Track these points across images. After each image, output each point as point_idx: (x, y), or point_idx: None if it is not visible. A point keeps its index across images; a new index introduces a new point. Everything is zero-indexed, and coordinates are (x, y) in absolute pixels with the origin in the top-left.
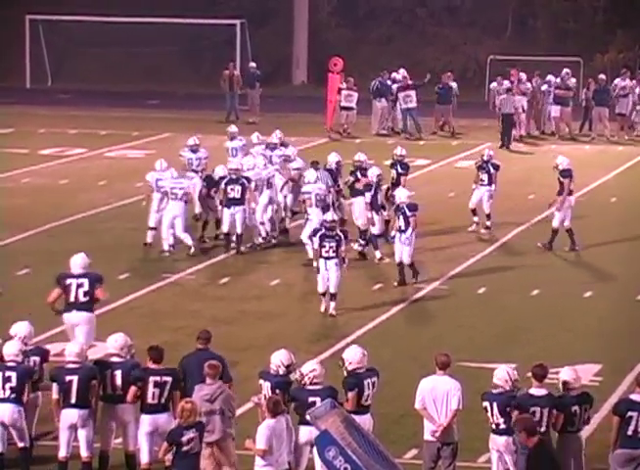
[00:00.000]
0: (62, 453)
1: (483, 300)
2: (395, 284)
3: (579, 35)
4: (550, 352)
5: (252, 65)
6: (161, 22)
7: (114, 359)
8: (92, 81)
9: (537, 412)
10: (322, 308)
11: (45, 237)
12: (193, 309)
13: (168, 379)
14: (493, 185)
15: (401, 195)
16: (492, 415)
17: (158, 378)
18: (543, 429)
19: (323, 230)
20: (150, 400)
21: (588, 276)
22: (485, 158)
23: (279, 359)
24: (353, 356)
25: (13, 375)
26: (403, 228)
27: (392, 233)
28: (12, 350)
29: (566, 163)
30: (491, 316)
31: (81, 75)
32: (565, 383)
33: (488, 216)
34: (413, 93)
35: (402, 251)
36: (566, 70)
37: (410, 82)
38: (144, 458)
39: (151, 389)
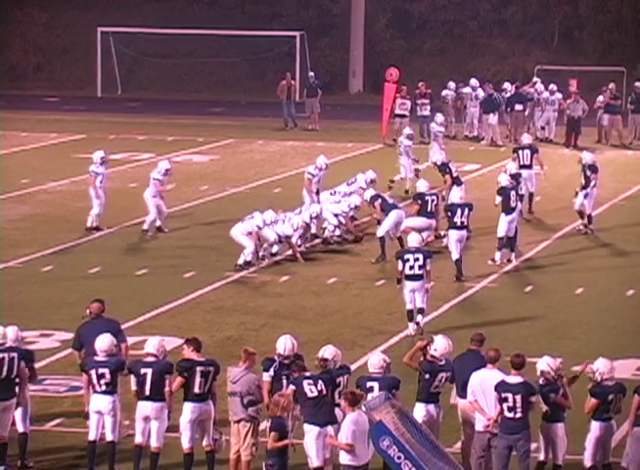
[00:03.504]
0: (137, 440)
1: (531, 297)
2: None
3: (623, 46)
4: (594, 347)
5: (311, 74)
6: (227, 34)
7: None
8: (160, 90)
9: None
10: (411, 330)
11: (115, 237)
12: (254, 306)
13: (212, 369)
14: (590, 187)
15: (454, 195)
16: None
17: (203, 368)
18: None
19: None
20: (197, 390)
21: (630, 276)
22: (584, 162)
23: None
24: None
25: (106, 371)
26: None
27: (443, 233)
28: (103, 346)
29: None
30: (539, 313)
31: (149, 84)
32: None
33: (589, 217)
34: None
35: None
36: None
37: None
38: (185, 443)
39: (198, 378)
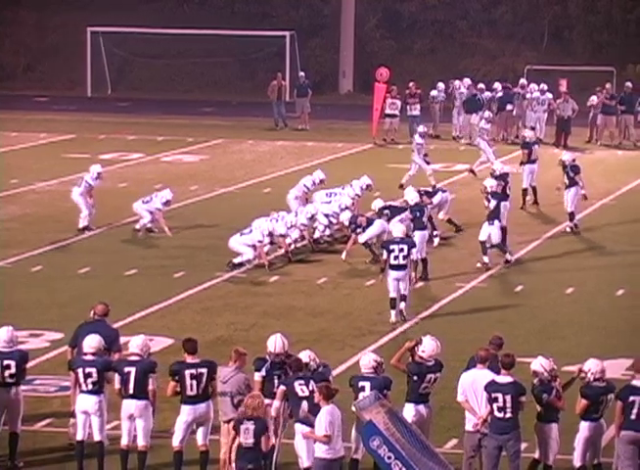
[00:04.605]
0: (123, 442)
1: (521, 297)
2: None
3: (612, 46)
4: (584, 347)
5: (302, 74)
6: (217, 34)
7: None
8: (150, 90)
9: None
10: (393, 318)
11: (105, 237)
12: (244, 306)
13: (204, 370)
14: (573, 187)
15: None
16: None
17: (193, 370)
18: None
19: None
20: (189, 392)
21: (620, 276)
22: (566, 162)
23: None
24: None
25: (93, 370)
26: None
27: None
28: (93, 343)
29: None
30: (529, 313)
31: (139, 85)
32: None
33: (571, 215)
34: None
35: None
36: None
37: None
38: (175, 442)
39: (188, 381)
